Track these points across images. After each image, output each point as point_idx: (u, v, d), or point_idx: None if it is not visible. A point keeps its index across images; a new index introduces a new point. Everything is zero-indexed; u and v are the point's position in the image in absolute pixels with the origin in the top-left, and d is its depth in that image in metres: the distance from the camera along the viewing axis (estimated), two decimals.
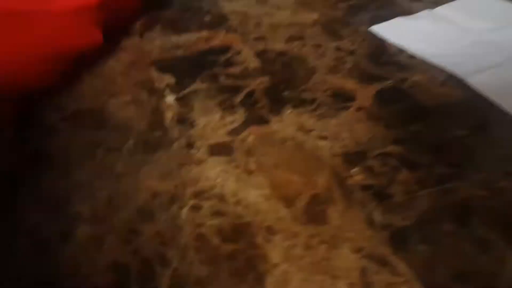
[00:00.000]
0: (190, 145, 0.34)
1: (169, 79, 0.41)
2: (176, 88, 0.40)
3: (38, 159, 0.32)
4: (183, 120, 0.37)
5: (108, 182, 0.31)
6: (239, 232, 0.28)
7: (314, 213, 0.30)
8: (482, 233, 0.29)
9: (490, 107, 0.39)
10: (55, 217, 0.28)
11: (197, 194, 0.30)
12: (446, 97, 0.41)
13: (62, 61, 0.37)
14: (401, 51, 0.47)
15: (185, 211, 0.29)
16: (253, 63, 0.44)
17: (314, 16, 0.53)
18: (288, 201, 0.30)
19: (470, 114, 0.39)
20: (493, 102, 0.40)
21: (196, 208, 0.29)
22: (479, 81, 0.42)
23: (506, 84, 0.42)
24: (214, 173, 0.32)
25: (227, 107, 0.38)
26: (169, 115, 0.37)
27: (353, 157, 0.34)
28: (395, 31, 0.50)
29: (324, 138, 0.36)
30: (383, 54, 0.47)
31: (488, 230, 0.29)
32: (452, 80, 0.43)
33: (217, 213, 0.29)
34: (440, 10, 0.55)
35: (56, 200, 0.29)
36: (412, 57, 0.46)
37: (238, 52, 0.46)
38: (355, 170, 0.33)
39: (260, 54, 0.46)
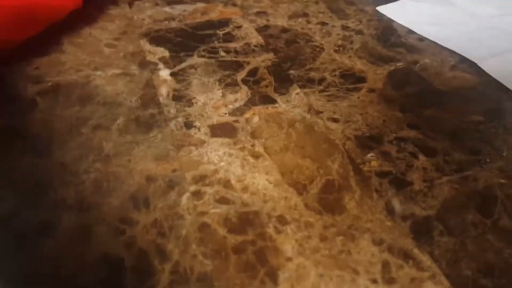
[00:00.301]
0: (188, 125, 0.31)
1: (162, 52, 0.37)
2: (170, 62, 0.37)
3: (14, 136, 0.28)
4: (180, 97, 0.33)
5: (95, 164, 0.27)
6: (247, 222, 0.25)
7: (329, 201, 0.27)
8: (506, 224, 0.27)
9: (504, 92, 0.37)
10: (34, 204, 0.24)
11: (199, 179, 0.27)
12: (459, 81, 0.39)
13: (34, 19, 0.32)
14: (409, 32, 0.45)
15: (185, 198, 0.26)
16: (255, 38, 0.41)
17: None
18: (300, 188, 0.27)
19: (484, 99, 0.37)
20: (507, 87, 0.38)
21: (198, 195, 0.26)
22: (491, 66, 0.40)
23: None
24: (217, 156, 0.29)
25: (229, 85, 0.35)
26: (163, 91, 0.33)
27: (367, 141, 0.31)
28: (402, 13, 0.48)
29: (335, 120, 0.33)
30: (392, 35, 0.44)
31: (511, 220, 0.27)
32: (463, 64, 0.41)
33: (222, 201, 0.26)
34: None
35: (35, 184, 0.25)
36: (421, 39, 0.44)
37: (239, 27, 0.42)
38: (370, 155, 0.30)
39: (262, 30, 0.42)
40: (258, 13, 0.45)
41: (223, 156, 0.29)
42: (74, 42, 0.37)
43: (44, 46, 0.35)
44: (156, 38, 0.39)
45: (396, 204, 0.27)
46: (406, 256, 0.24)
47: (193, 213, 0.25)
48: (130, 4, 0.43)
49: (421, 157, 0.31)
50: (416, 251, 0.25)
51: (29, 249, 0.22)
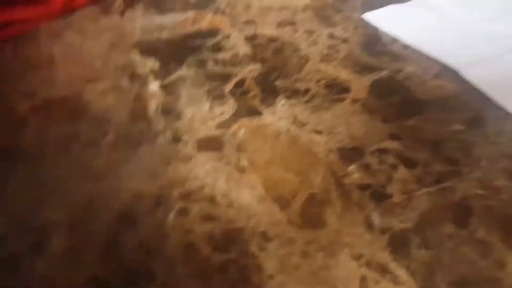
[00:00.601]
0: (176, 139, 0.31)
1: (152, 63, 0.37)
2: (160, 74, 0.36)
3: (6, 159, 0.28)
4: (169, 111, 0.33)
5: (85, 183, 0.27)
6: (231, 239, 0.25)
7: (311, 215, 0.27)
8: (481, 236, 0.27)
9: (485, 101, 0.37)
10: (25, 226, 0.24)
11: (185, 196, 0.27)
12: (441, 90, 0.38)
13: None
14: (394, 40, 0.44)
15: (172, 216, 0.26)
16: (243, 48, 0.40)
17: (305, 0, 0.49)
18: (283, 202, 0.27)
19: (465, 108, 0.36)
20: (488, 96, 0.38)
21: (184, 212, 0.26)
22: (473, 74, 0.40)
23: (500, 78, 0.40)
24: (203, 171, 0.29)
25: (216, 97, 0.34)
26: (153, 105, 0.33)
27: (350, 153, 0.31)
28: (388, 20, 0.47)
29: (319, 132, 0.33)
30: (377, 43, 0.44)
31: (487, 232, 0.27)
32: (446, 72, 0.40)
33: (207, 218, 0.26)
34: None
35: (26, 207, 0.25)
36: (405, 47, 0.43)
37: (227, 36, 0.41)
38: (352, 167, 0.30)
39: (250, 39, 0.42)
40: (246, 22, 0.44)
41: (210, 171, 0.29)
42: (66, 55, 0.36)
43: (35, 59, 0.35)
44: (147, 49, 0.39)
45: (376, 218, 0.27)
46: (384, 270, 0.24)
47: (179, 232, 0.25)
48: (122, 13, 0.43)
49: (401, 169, 0.31)
50: (393, 265, 0.25)
51: (21, 270, 0.22)
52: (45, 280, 0.22)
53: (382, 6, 0.49)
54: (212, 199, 0.27)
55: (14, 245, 0.23)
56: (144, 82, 0.35)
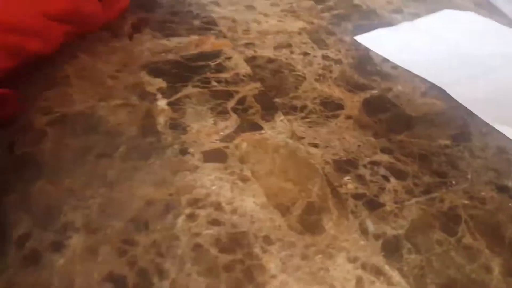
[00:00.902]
0: (183, 151, 0.33)
1: (160, 83, 0.39)
2: (167, 92, 0.38)
3: (26, 164, 0.30)
4: (176, 126, 0.35)
5: (100, 190, 0.29)
6: (236, 242, 0.27)
7: (310, 222, 0.29)
8: (468, 242, 0.29)
9: (470, 117, 0.40)
10: (46, 226, 0.26)
11: (193, 202, 0.29)
12: (428, 107, 0.41)
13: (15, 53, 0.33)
14: (384, 61, 0.47)
15: (180, 220, 0.27)
16: (244, 69, 0.43)
17: (299, 24, 0.53)
18: (284, 210, 0.29)
19: (451, 124, 0.39)
20: (473, 112, 0.40)
21: (192, 217, 0.28)
22: (458, 92, 0.43)
23: (484, 96, 0.43)
24: (209, 180, 0.31)
25: (220, 113, 0.37)
26: (161, 120, 0.35)
27: (344, 165, 0.34)
28: (378, 42, 0.51)
29: (315, 145, 0.35)
30: (368, 64, 0.47)
31: (473, 239, 0.29)
32: (433, 91, 0.43)
33: (214, 222, 0.28)
34: (420, 22, 0.56)
35: (46, 208, 0.27)
36: (395, 67, 0.47)
37: (229, 58, 0.44)
38: (346, 178, 0.32)
39: (250, 60, 0.44)
40: (246, 45, 0.47)
41: (215, 181, 0.31)
42: (80, 74, 0.39)
43: (52, 79, 0.37)
44: (155, 70, 0.41)
45: (370, 225, 0.29)
46: (378, 272, 0.26)
47: (188, 234, 0.27)
48: (130, 37, 0.45)
49: (392, 180, 0.33)
50: (386, 267, 0.27)
51: (42, 266, 0.24)
52: (65, 276, 0.23)
53: (372, 29, 0.52)
54: (217, 206, 0.29)
55: (36, 243, 0.25)
56: (152, 100, 0.37)
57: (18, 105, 0.32)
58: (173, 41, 0.45)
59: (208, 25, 0.50)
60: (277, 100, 0.40)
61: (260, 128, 0.36)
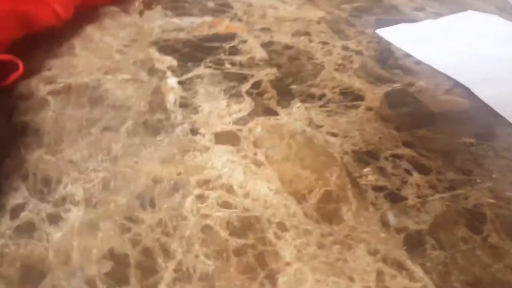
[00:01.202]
0: (194, 131, 0.32)
1: (170, 61, 0.39)
2: (178, 71, 0.38)
3: (25, 132, 0.29)
4: (186, 105, 0.34)
5: (104, 164, 0.27)
6: (248, 226, 0.26)
7: (327, 211, 0.28)
8: (494, 241, 0.28)
9: (495, 117, 0.39)
10: (43, 197, 0.25)
11: (202, 183, 0.28)
12: (452, 104, 0.40)
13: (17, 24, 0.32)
14: (406, 55, 0.47)
15: (189, 200, 0.26)
16: (259, 53, 0.42)
17: (319, 13, 0.52)
18: (299, 197, 0.28)
19: (475, 123, 0.38)
20: (498, 113, 0.39)
21: (201, 198, 0.27)
22: (483, 92, 0.42)
23: (510, 98, 0.42)
24: (220, 162, 0.30)
25: (233, 95, 0.36)
26: (171, 98, 0.34)
27: (364, 156, 0.33)
28: (400, 36, 0.50)
29: (334, 135, 0.34)
30: (390, 57, 0.46)
31: (500, 238, 0.28)
32: (457, 89, 0.42)
33: (224, 205, 0.27)
34: (443, 21, 0.55)
35: (45, 179, 0.26)
36: (417, 62, 0.46)
37: (244, 41, 0.43)
38: (367, 170, 0.31)
39: (266, 45, 0.44)
40: (262, 30, 0.46)
41: (226, 163, 0.30)
42: (86, 46, 0.38)
43: (57, 49, 0.36)
44: (165, 47, 0.40)
45: (391, 217, 0.28)
46: (400, 266, 0.25)
47: (197, 215, 0.26)
48: (141, 13, 0.45)
49: (415, 174, 0.32)
50: (409, 262, 0.26)
51: (38, 239, 0.23)
52: (61, 250, 0.22)
53: (393, 24, 0.52)
54: (229, 189, 0.28)
55: (32, 214, 0.24)
56: (162, 77, 0.36)
57: (20, 72, 0.31)
58: (186, 21, 0.45)
59: (223, 7, 0.49)
60: (294, 87, 0.39)
61: (276, 113, 0.35)
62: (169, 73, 0.37)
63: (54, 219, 0.24)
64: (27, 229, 0.23)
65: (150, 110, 0.33)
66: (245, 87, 0.37)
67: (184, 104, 0.34)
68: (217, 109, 0.34)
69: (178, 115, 0.33)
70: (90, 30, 0.40)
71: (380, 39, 0.49)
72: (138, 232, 0.24)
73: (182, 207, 0.26)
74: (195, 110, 0.34)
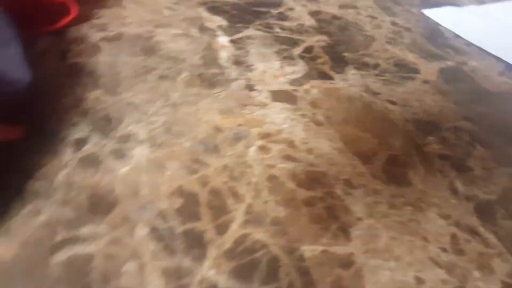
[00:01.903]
0: (250, 87, 0.31)
1: (220, 21, 0.38)
2: (228, 30, 0.37)
3: (80, 73, 0.28)
4: (240, 63, 0.34)
5: (164, 109, 0.27)
6: (314, 180, 0.25)
7: (394, 173, 0.27)
8: None
9: None
10: (106, 133, 0.24)
11: (264, 136, 0.27)
12: (507, 86, 0.40)
13: None
14: (456, 36, 0.46)
15: (252, 150, 0.26)
16: (308, 21, 0.42)
17: None
18: (364, 158, 0.28)
19: None
20: None
21: (264, 149, 0.26)
22: None
23: None
24: (280, 118, 0.29)
25: (286, 58, 0.35)
26: (224, 55, 0.34)
27: (426, 126, 0.32)
28: (449, 18, 0.49)
29: (393, 103, 0.33)
30: (439, 37, 0.45)
31: None
32: (510, 72, 0.42)
33: (288, 158, 0.26)
34: (488, 7, 0.55)
35: (105, 117, 0.25)
36: (467, 44, 0.45)
37: (291, 9, 0.43)
38: (430, 139, 0.31)
39: (314, 14, 0.43)
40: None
41: (286, 119, 0.29)
42: (134, 0, 0.38)
43: (105, 1, 0.36)
44: (213, 8, 0.40)
45: (459, 185, 0.27)
46: (473, 232, 0.25)
47: (261, 165, 0.25)
48: None
49: (479, 147, 0.31)
50: (481, 229, 0.25)
51: (103, 171, 0.22)
52: (129, 183, 0.22)
53: (438, 6, 0.51)
54: (291, 143, 0.27)
55: (96, 148, 0.23)
56: (213, 35, 0.36)
57: (73, 16, 0.31)
58: None
59: None
60: (346, 54, 0.38)
61: (331, 78, 0.35)
62: (219, 32, 0.37)
63: (119, 154, 0.23)
64: (92, 162, 0.23)
65: (204, 64, 0.32)
66: (297, 50, 0.37)
67: (237, 62, 0.34)
68: (271, 69, 0.34)
69: (233, 71, 0.32)
70: None
71: (427, 18, 0.48)
72: (206, 174, 0.23)
73: (246, 156, 0.25)
74: (249, 68, 0.33)
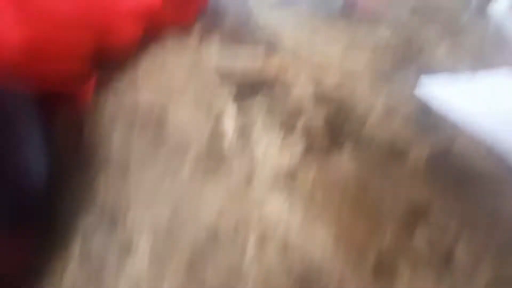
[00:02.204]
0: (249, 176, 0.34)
1: (229, 86, 0.41)
2: (237, 97, 0.40)
3: (91, 165, 0.30)
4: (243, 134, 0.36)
5: (173, 190, 0.29)
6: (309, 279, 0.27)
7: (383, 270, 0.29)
8: None
9: None
10: (113, 227, 0.26)
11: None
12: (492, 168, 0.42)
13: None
14: (447, 114, 0.48)
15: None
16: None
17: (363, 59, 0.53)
18: (357, 256, 0.30)
19: None
20: None
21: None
22: None
23: None
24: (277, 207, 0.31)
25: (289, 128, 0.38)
26: (229, 127, 0.36)
27: (414, 215, 0.34)
28: (441, 93, 0.51)
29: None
30: (430, 115, 0.47)
31: None
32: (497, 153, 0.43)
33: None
34: (485, 76, 0.56)
35: (112, 208, 0.27)
36: (457, 122, 0.47)
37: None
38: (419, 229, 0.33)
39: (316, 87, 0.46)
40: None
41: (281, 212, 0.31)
42: (148, 69, 0.40)
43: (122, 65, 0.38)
44: (224, 74, 0.43)
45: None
46: None
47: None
48: (200, 39, 0.47)
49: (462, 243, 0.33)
50: None
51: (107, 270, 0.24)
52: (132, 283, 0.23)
53: (434, 77, 0.53)
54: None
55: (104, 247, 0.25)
56: (223, 103, 0.38)
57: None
58: (242, 51, 0.47)
59: (274, 44, 0.51)
60: (345, 130, 0.40)
61: (329, 152, 0.37)
62: (229, 99, 0.39)
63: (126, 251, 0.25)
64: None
65: (210, 141, 0.34)
66: (299, 124, 0.39)
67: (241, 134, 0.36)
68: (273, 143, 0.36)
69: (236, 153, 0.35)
70: (153, 48, 0.42)
71: (420, 93, 0.50)
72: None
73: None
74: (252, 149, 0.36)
